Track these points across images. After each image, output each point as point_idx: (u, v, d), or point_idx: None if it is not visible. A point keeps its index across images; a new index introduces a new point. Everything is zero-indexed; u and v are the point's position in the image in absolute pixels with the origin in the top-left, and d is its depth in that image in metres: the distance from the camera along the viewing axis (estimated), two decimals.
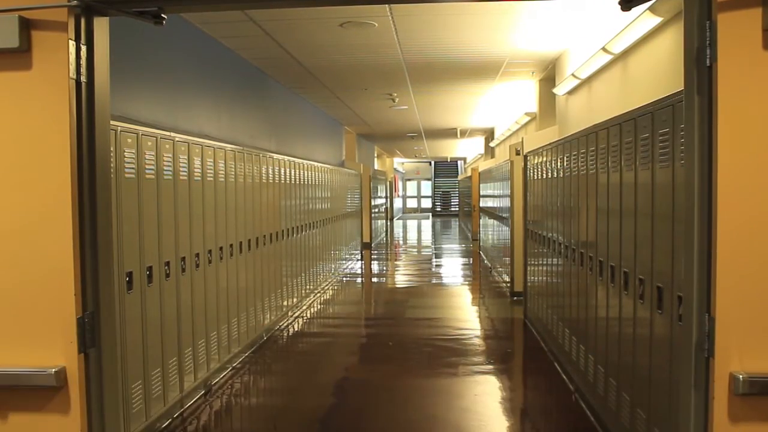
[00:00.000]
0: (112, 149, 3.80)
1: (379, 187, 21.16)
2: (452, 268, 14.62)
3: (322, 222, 10.83)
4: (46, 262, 2.25)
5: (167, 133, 4.81)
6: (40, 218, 2.25)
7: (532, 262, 7.76)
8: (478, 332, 7.99)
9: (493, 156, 16.98)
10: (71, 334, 2.26)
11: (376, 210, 20.00)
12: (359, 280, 12.80)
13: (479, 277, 12.76)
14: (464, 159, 31.90)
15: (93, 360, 2.34)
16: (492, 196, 13.23)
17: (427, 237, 23.95)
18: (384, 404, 5.36)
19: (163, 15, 2.41)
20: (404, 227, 28.69)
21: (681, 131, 3.05)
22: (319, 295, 10.29)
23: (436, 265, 15.06)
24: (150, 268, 4.51)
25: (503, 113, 13.33)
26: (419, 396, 5.52)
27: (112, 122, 3.20)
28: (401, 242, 22.03)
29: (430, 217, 36.62)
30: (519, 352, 7.35)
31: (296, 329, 8.17)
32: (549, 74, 8.88)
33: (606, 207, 4.38)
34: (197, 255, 5.31)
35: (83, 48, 2.29)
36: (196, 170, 5.28)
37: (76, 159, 2.27)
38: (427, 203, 40.46)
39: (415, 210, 40.64)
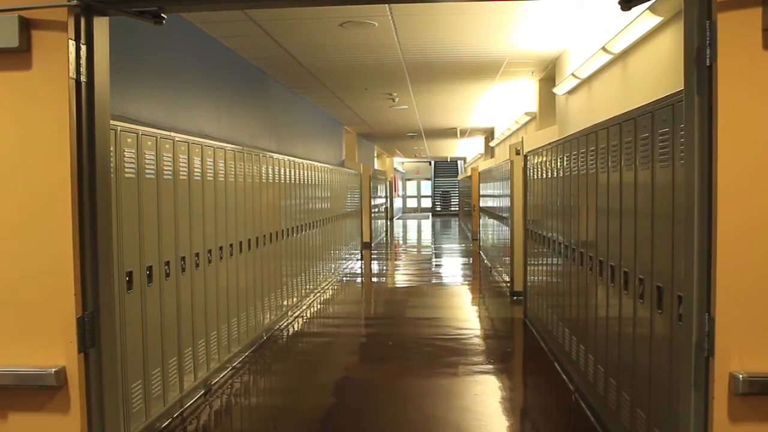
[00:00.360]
0: (112, 149, 3.80)
1: (379, 187, 21.16)
2: (452, 267, 14.62)
3: (322, 222, 10.83)
4: (46, 262, 2.25)
5: (167, 133, 4.80)
6: (40, 218, 2.25)
7: (532, 262, 7.76)
8: (478, 332, 7.99)
9: (493, 156, 16.98)
10: (71, 333, 2.26)
11: (376, 210, 20.00)
12: (359, 279, 12.80)
13: (479, 276, 12.76)
14: (464, 159, 31.89)
15: (93, 360, 2.34)
16: (492, 195, 13.23)
17: (426, 237, 23.95)
18: (384, 404, 5.36)
19: (162, 15, 2.41)
20: (404, 227, 28.69)
21: (681, 131, 3.05)
22: (319, 294, 10.29)
23: (436, 265, 15.06)
24: (150, 268, 4.51)
25: (503, 113, 13.33)
26: (419, 396, 5.53)
27: (112, 122, 3.20)
28: (401, 242, 22.03)
29: (430, 216, 36.62)
30: (519, 351, 7.35)
31: (296, 329, 8.17)
32: (549, 74, 8.88)
33: (606, 207, 4.38)
34: (197, 255, 5.31)
35: (83, 48, 2.29)
36: (196, 170, 5.28)
37: (76, 159, 2.27)
38: (427, 203, 40.47)
39: (415, 210, 40.64)
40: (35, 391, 2.26)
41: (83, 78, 2.28)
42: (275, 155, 7.78)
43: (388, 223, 26.69)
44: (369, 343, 7.76)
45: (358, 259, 15.16)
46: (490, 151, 18.24)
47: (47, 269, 2.25)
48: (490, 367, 6.37)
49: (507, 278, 10.23)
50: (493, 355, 6.84)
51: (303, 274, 9.36)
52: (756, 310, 2.07)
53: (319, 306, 9.68)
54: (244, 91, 8.02)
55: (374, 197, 19.22)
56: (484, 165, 17.03)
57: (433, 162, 39.05)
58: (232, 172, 6.14)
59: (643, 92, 4.93)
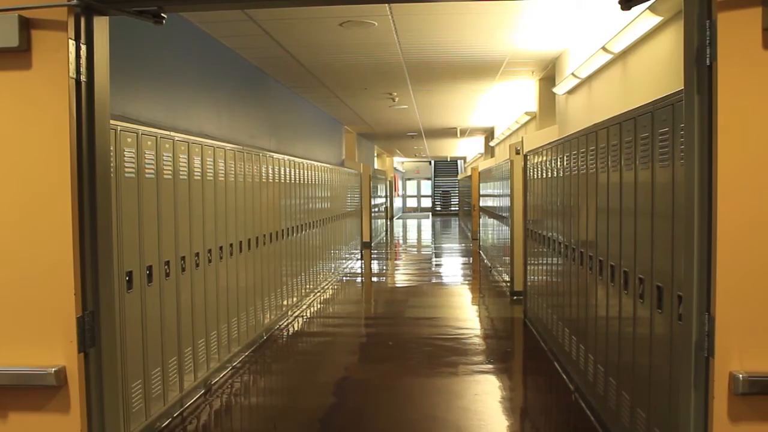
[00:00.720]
0: (112, 149, 3.80)
1: (379, 187, 21.16)
2: (452, 267, 14.61)
3: (321, 221, 10.83)
4: (47, 262, 2.25)
5: (167, 133, 4.81)
6: (40, 218, 2.24)
7: (532, 262, 7.76)
8: (478, 332, 7.99)
9: (493, 155, 16.98)
10: (71, 333, 2.26)
11: (376, 209, 20.00)
12: (359, 279, 12.80)
13: (479, 276, 12.76)
14: (464, 158, 31.89)
15: (93, 359, 2.34)
16: (492, 195, 13.24)
17: (426, 236, 23.95)
18: (384, 404, 5.36)
19: (162, 14, 2.41)
20: (404, 226, 28.69)
21: (681, 131, 3.05)
22: (318, 294, 10.29)
23: (436, 265, 15.06)
24: (150, 268, 4.51)
25: (503, 113, 13.33)
26: (419, 395, 5.53)
27: (112, 122, 3.20)
28: (401, 241, 22.03)
29: (430, 216, 36.62)
30: (519, 351, 7.35)
31: (296, 329, 8.17)
32: (549, 73, 8.88)
33: (606, 206, 4.38)
34: (197, 254, 5.31)
35: (83, 47, 2.29)
36: (195, 169, 5.28)
37: (76, 158, 2.27)
38: (427, 202, 40.47)
39: (414, 209, 40.65)
40: (35, 391, 2.26)
41: (83, 78, 2.28)
42: (275, 155, 7.78)
43: (388, 222, 26.69)
44: (369, 342, 7.76)
45: (358, 259, 15.16)
46: (490, 151, 18.24)
47: (47, 269, 2.25)
48: (490, 366, 6.37)
49: (507, 278, 10.23)
50: (493, 354, 6.84)
51: (303, 274, 9.37)
52: (756, 310, 2.07)
53: (319, 306, 9.68)
54: (244, 90, 8.02)
55: (374, 197, 19.22)
56: (484, 165, 17.03)
57: (433, 161, 39.04)
58: (232, 172, 6.14)
59: (643, 92, 4.93)
